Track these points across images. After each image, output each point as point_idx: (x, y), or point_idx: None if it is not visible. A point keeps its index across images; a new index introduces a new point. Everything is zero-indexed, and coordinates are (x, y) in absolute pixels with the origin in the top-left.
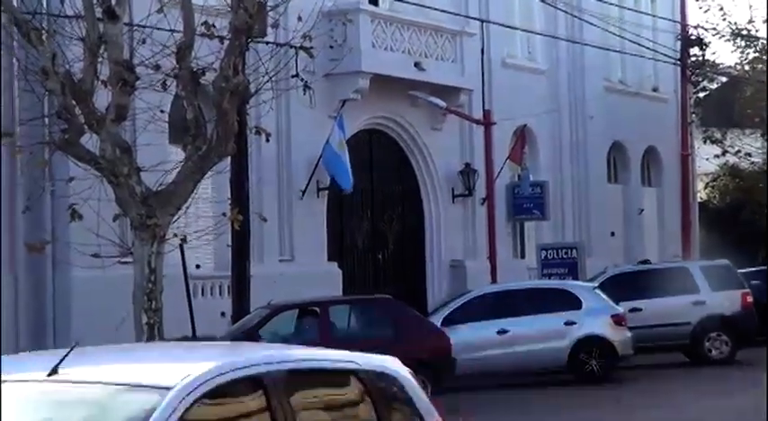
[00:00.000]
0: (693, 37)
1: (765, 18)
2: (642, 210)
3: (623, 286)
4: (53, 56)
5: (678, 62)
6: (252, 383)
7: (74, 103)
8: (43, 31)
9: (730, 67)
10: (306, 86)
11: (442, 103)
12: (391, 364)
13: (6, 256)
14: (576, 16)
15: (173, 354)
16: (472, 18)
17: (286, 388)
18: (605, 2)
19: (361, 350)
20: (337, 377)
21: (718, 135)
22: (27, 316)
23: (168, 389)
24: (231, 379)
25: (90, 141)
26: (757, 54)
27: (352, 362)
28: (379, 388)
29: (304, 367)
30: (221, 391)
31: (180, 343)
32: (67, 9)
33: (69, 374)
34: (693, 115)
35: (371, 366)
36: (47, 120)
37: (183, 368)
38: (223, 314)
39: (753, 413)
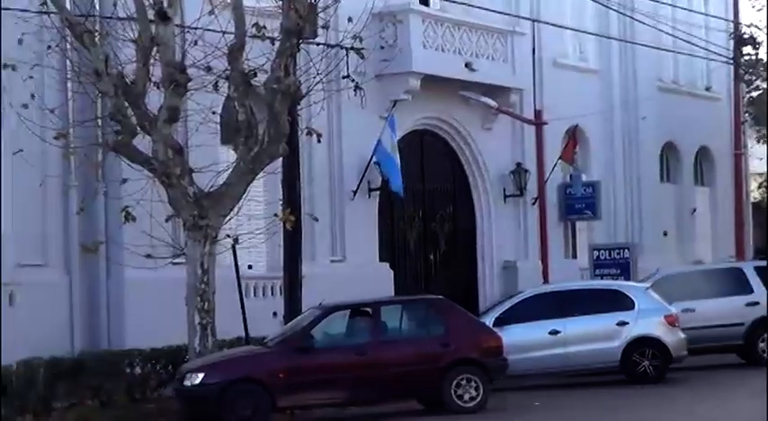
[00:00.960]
0: (746, 36)
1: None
2: (695, 210)
3: (676, 286)
4: (106, 58)
5: (731, 61)
6: None
7: (126, 104)
8: (96, 33)
9: None
10: (357, 87)
11: (493, 103)
12: None
13: (61, 257)
14: (628, 16)
15: None
16: (523, 18)
17: None
18: (658, 1)
19: (414, 352)
20: None
21: None
22: (81, 315)
23: None
24: None
25: (143, 143)
26: None
27: None
28: None
29: None
30: None
31: None
32: (120, 11)
33: None
34: (746, 114)
35: None
36: (100, 121)
37: None
38: (275, 314)
39: None
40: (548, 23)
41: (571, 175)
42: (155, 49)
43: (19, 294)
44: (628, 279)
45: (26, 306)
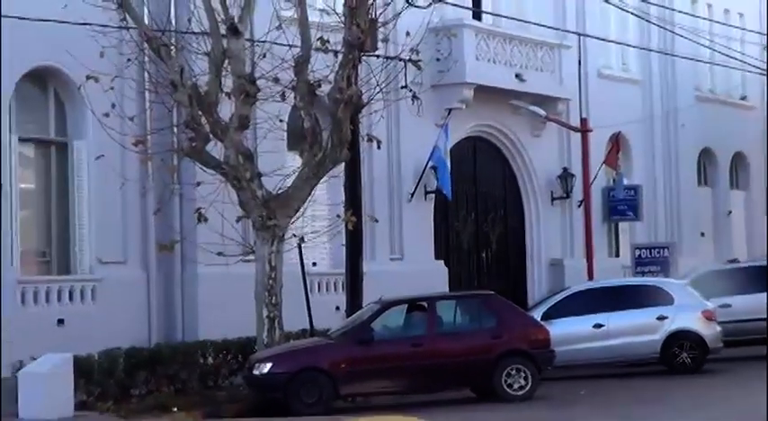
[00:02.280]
0: None
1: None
2: (731, 212)
3: (713, 283)
4: (181, 70)
5: (764, 72)
6: None
7: (200, 113)
8: (172, 47)
9: None
10: (414, 97)
11: (542, 112)
12: None
13: (140, 255)
14: (668, 29)
15: None
16: (569, 32)
17: None
18: (696, 16)
19: (467, 344)
20: None
21: None
22: (158, 309)
23: None
24: None
25: (215, 149)
26: None
27: None
28: None
29: None
30: None
31: None
32: (194, 26)
33: None
34: None
35: None
36: (175, 129)
37: None
38: (338, 308)
39: None
40: (592, 37)
41: (614, 179)
42: (226, 61)
43: (100, 289)
44: (667, 276)
45: (107, 300)
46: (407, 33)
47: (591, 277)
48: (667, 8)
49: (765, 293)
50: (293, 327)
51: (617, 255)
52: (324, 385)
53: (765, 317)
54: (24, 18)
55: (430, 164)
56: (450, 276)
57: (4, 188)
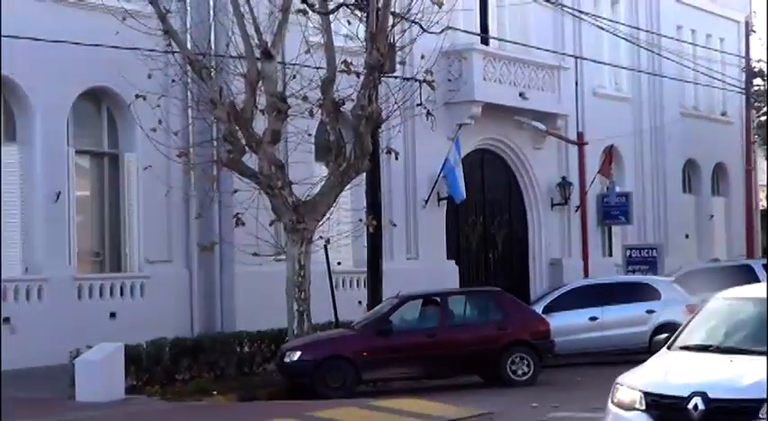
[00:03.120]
0: (756, 69)
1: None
2: (712, 216)
3: (696, 280)
4: (220, 89)
5: (743, 91)
6: None
7: (237, 128)
8: (212, 69)
9: None
10: (428, 113)
11: (543, 127)
12: None
13: (183, 255)
14: (655, 52)
15: None
16: (567, 55)
17: None
18: (681, 40)
19: (475, 335)
20: None
21: None
22: (199, 304)
23: None
24: None
25: (250, 160)
26: None
27: None
28: None
29: None
30: None
31: None
32: (232, 50)
33: None
34: (756, 136)
35: None
36: (215, 142)
37: None
38: (360, 302)
39: None
40: (588, 59)
41: (607, 187)
42: (260, 82)
43: (148, 286)
44: (655, 274)
45: (154, 295)
46: (422, 56)
47: (587, 275)
48: (655, 33)
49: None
50: (320, 320)
51: (610, 254)
52: (347, 371)
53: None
54: (80, 43)
55: (442, 174)
56: (461, 274)
57: (63, 195)
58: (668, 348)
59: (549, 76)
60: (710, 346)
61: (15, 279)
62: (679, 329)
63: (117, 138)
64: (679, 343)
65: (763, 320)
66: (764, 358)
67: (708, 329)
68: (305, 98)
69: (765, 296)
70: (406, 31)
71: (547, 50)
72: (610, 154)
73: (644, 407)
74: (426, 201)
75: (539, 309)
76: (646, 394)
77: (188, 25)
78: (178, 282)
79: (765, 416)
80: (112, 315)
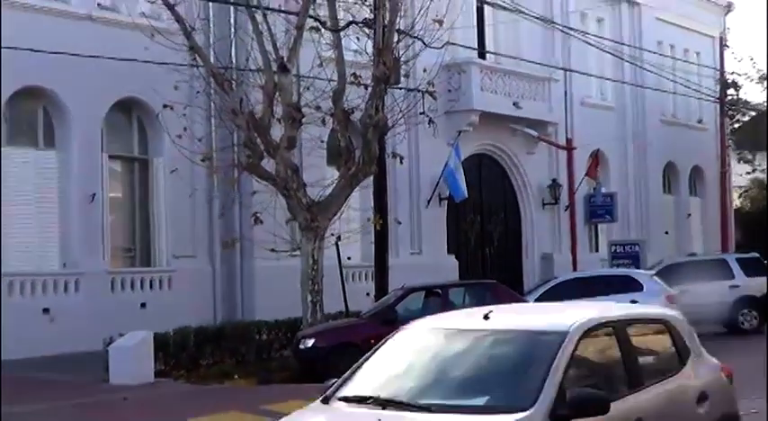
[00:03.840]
0: (729, 81)
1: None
2: (689, 215)
3: (676, 273)
4: (240, 100)
5: (717, 100)
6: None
7: (256, 135)
8: (233, 81)
9: (758, 103)
10: (430, 121)
11: (535, 133)
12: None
13: (207, 251)
14: (638, 65)
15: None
16: (557, 68)
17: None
18: (661, 54)
19: None
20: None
21: (749, 156)
22: (221, 295)
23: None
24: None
25: (268, 164)
26: None
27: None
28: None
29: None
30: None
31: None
32: (251, 64)
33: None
34: (730, 141)
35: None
36: (236, 148)
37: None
38: (368, 294)
39: None
40: (576, 72)
41: (594, 188)
42: (277, 93)
43: (175, 279)
44: (638, 267)
45: (180, 287)
46: (424, 70)
47: (575, 268)
48: (637, 48)
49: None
50: (332, 310)
51: (596, 250)
52: (357, 357)
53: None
54: (113, 58)
55: (443, 176)
56: (460, 268)
57: (97, 196)
58: (325, 400)
59: (540, 87)
60: (370, 398)
61: (54, 273)
62: (350, 370)
63: (146, 144)
64: (342, 391)
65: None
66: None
67: (383, 372)
68: (318, 108)
69: (476, 330)
70: (409, 46)
71: (538, 64)
72: (596, 158)
73: None
74: (428, 202)
75: (532, 299)
76: None
77: (211, 41)
78: (202, 276)
79: None
80: (142, 305)
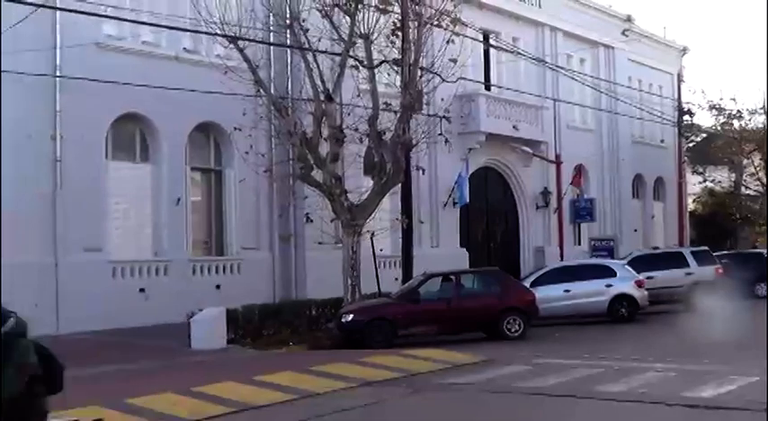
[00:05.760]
0: (685, 109)
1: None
2: (653, 216)
3: (643, 263)
4: (294, 123)
5: (675, 125)
6: None
7: (307, 151)
8: (289, 108)
9: (708, 127)
10: (446, 141)
11: (530, 150)
12: None
13: (268, 243)
14: (612, 96)
15: None
16: (548, 98)
17: None
18: (631, 87)
19: (480, 303)
20: None
21: (700, 169)
22: (280, 279)
23: None
24: None
25: (317, 174)
26: (723, 119)
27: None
28: None
29: None
30: None
31: None
32: (303, 94)
33: None
34: (685, 157)
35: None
36: (291, 162)
37: None
38: (396, 279)
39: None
40: (563, 101)
41: (578, 195)
42: (324, 118)
43: (243, 266)
44: (612, 258)
45: (247, 273)
46: (442, 99)
47: (562, 258)
48: (612, 82)
49: (677, 270)
50: (367, 291)
51: (579, 244)
52: (387, 329)
53: (678, 285)
54: (194, 90)
55: (457, 184)
56: (470, 258)
57: (182, 200)
58: None
59: (534, 113)
60: None
61: (148, 260)
62: None
63: (220, 158)
64: None
65: None
66: None
67: None
68: (356, 129)
69: None
70: (430, 80)
71: (533, 94)
72: (579, 170)
73: None
74: (445, 205)
75: (527, 283)
76: None
77: (272, 76)
78: (264, 263)
79: None
80: (217, 286)
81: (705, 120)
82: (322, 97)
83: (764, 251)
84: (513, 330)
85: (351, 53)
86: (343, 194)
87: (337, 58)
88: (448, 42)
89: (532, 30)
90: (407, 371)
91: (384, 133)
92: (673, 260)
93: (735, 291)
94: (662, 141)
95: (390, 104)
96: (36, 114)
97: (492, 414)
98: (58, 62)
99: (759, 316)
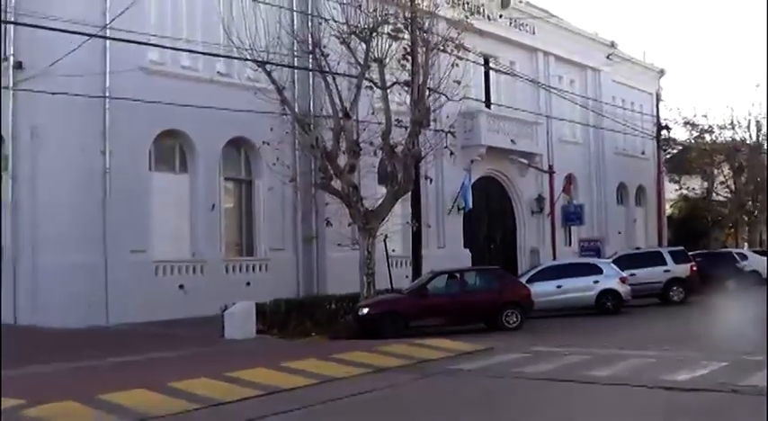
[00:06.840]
0: (663, 124)
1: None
2: (635, 220)
3: (626, 261)
4: (316, 138)
5: (654, 138)
6: None
7: (327, 163)
8: (311, 125)
9: (683, 141)
10: (451, 153)
11: (526, 162)
12: None
13: (292, 244)
14: (599, 113)
15: None
16: (542, 115)
17: None
18: (615, 105)
19: (482, 297)
20: None
21: (677, 178)
22: (303, 277)
23: None
24: None
25: (336, 184)
26: (696, 133)
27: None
28: None
29: None
30: None
31: None
32: (324, 112)
33: None
34: (664, 167)
35: None
36: (313, 172)
37: None
38: (406, 276)
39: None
40: (555, 118)
41: (568, 201)
42: (342, 133)
43: (270, 265)
44: (599, 257)
45: (274, 271)
46: (447, 116)
47: (555, 258)
48: (598, 101)
49: (656, 268)
50: (381, 287)
51: (570, 245)
52: (399, 321)
53: (656, 281)
54: (226, 109)
55: (461, 192)
56: (473, 258)
57: (216, 206)
58: None
59: (529, 128)
60: None
61: (186, 260)
62: None
63: (250, 169)
64: None
65: None
66: None
67: None
68: (371, 143)
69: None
70: (436, 99)
71: (528, 112)
72: (569, 179)
73: None
74: (450, 211)
75: (524, 280)
76: None
77: (295, 96)
78: (289, 263)
79: None
80: (248, 283)
81: (680, 134)
82: (340, 115)
83: (732, 250)
84: (511, 322)
85: (366, 75)
86: (360, 201)
87: (354, 80)
88: (452, 65)
89: (527, 54)
90: (417, 358)
91: (396, 146)
92: (652, 259)
93: (707, 286)
94: (643, 153)
95: (401, 121)
96: (87, 131)
97: (493, 396)
98: (107, 84)
99: (728, 309)
